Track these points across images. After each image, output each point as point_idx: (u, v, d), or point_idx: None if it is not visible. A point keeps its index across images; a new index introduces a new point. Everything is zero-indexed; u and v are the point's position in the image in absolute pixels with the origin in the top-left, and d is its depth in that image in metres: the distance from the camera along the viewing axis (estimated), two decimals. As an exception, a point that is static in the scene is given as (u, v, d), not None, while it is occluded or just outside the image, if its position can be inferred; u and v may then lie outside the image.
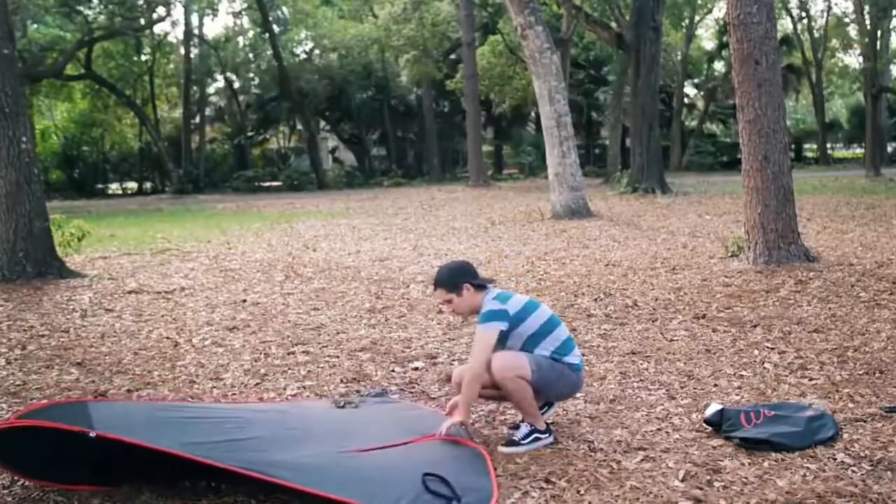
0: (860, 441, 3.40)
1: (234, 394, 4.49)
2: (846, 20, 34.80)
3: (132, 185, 36.87)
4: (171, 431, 3.29)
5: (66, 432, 3.02)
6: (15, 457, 3.16)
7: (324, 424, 3.80)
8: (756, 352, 4.94)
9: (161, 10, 30.19)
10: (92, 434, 2.91)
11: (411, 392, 4.42)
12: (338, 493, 2.82)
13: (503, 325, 3.46)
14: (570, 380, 3.57)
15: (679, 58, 36.63)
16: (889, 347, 4.89)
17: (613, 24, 23.53)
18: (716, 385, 4.31)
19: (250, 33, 36.89)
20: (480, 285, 3.62)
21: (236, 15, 36.82)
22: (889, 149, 37.71)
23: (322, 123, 39.29)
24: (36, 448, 3.16)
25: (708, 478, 3.10)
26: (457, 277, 3.62)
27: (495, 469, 3.23)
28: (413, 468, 3.09)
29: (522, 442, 3.45)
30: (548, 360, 3.49)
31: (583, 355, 4.00)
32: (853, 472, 3.11)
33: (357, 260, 9.89)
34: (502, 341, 3.52)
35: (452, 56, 34.23)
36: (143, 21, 30.12)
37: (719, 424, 3.55)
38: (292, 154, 40.52)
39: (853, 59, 38.71)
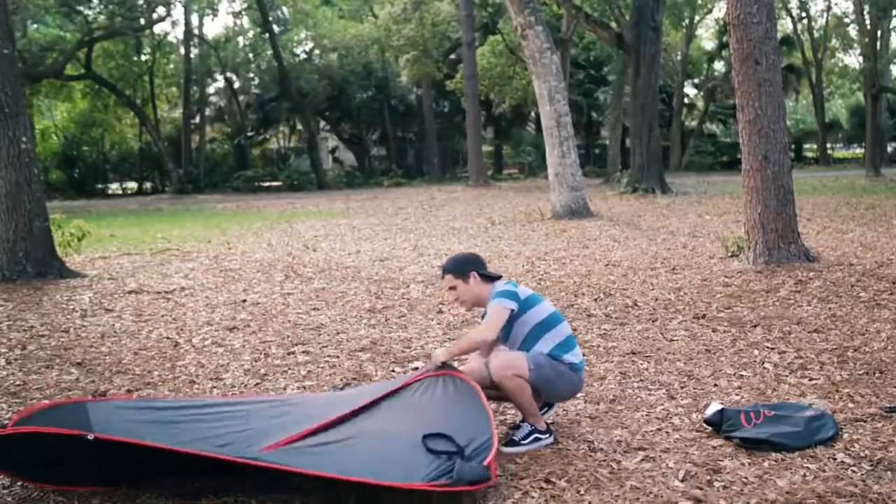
0: (860, 441, 3.40)
1: (234, 394, 4.49)
2: (846, 20, 34.80)
3: (132, 185, 36.86)
4: (170, 431, 3.29)
5: (65, 435, 3.03)
6: (14, 460, 3.15)
7: (320, 400, 3.84)
8: (756, 352, 4.94)
9: (161, 10, 30.20)
10: (90, 436, 2.91)
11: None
12: (350, 473, 2.83)
13: (514, 305, 3.51)
14: (570, 380, 3.58)
15: (679, 58, 36.62)
16: (889, 347, 4.89)
17: (613, 24, 23.50)
18: (716, 385, 4.31)
19: (250, 33, 36.88)
20: (488, 276, 3.67)
21: (236, 15, 36.89)
22: (889, 149, 37.71)
23: (322, 123, 39.28)
24: (35, 451, 3.16)
25: (708, 478, 3.10)
26: (466, 265, 3.69)
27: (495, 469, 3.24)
28: (413, 433, 3.09)
29: (522, 442, 3.45)
30: (547, 360, 3.50)
31: (583, 355, 4.00)
32: (853, 472, 3.11)
33: (357, 260, 9.89)
34: (508, 328, 3.56)
35: (452, 56, 34.22)
36: (143, 21, 30.12)
37: (719, 424, 3.55)
38: (292, 154, 40.52)
39: (853, 59, 38.73)
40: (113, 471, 3.19)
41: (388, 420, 3.34)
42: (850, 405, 3.86)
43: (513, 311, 3.51)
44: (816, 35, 35.78)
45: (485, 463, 2.92)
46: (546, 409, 3.68)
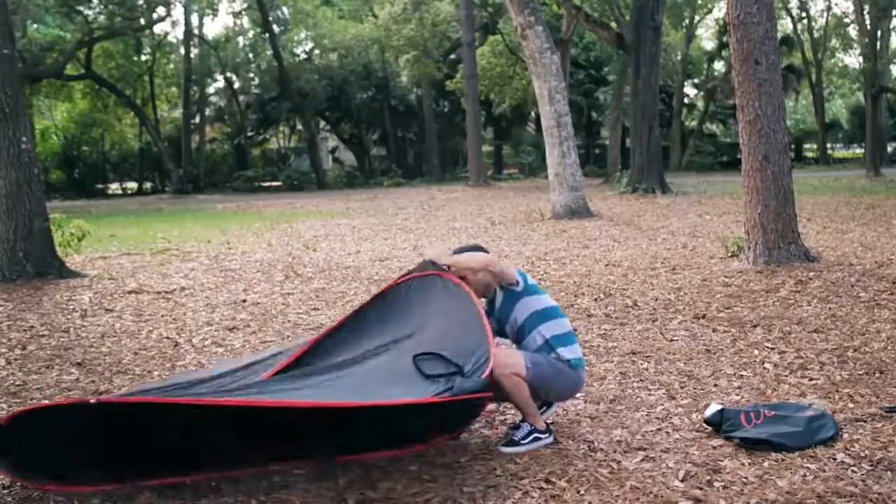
0: (860, 441, 3.40)
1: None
2: (846, 20, 34.78)
3: (132, 185, 36.84)
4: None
5: (68, 414, 2.97)
6: (16, 459, 3.13)
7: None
8: (756, 352, 4.94)
9: (161, 10, 30.18)
10: (92, 400, 2.89)
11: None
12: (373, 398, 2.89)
13: (521, 280, 3.59)
14: (569, 379, 3.57)
15: (679, 58, 36.61)
16: (889, 347, 4.89)
17: (613, 24, 23.52)
18: (716, 385, 4.31)
19: (250, 33, 36.87)
20: None
21: (236, 15, 36.86)
22: (889, 149, 37.69)
23: (322, 123, 39.26)
24: (36, 449, 3.15)
25: (708, 478, 3.10)
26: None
27: (495, 470, 3.24)
28: (412, 354, 3.14)
29: (522, 442, 3.45)
30: (545, 358, 3.50)
31: (583, 355, 4.00)
32: (853, 472, 3.11)
33: (357, 260, 9.89)
34: (509, 309, 3.58)
35: (452, 56, 34.21)
36: (143, 21, 30.09)
37: (719, 424, 3.55)
38: (292, 154, 40.47)
39: (853, 59, 38.72)
40: (115, 467, 3.17)
41: (384, 338, 3.34)
42: (850, 405, 3.86)
43: (518, 283, 3.57)
44: (816, 35, 35.77)
45: (483, 377, 3.00)
46: (545, 408, 3.68)
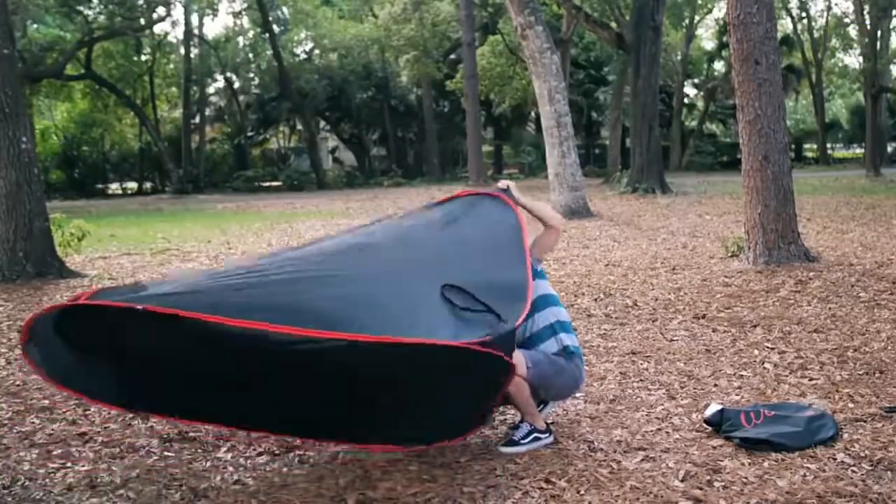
0: (860, 441, 3.40)
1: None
2: (846, 20, 34.77)
3: (132, 185, 36.85)
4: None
5: (113, 313, 2.77)
6: (46, 355, 3.02)
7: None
8: (756, 352, 4.94)
9: (161, 10, 30.18)
10: (139, 307, 2.65)
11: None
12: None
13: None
14: (570, 376, 3.56)
15: (679, 58, 36.60)
16: (889, 347, 4.89)
17: (613, 24, 23.52)
18: (716, 385, 4.31)
19: (250, 33, 36.88)
20: None
21: (236, 15, 36.88)
22: (889, 149, 37.66)
23: (322, 123, 39.26)
24: (64, 352, 3.02)
25: (708, 478, 3.10)
26: None
27: (495, 469, 3.24)
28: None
29: (522, 442, 3.45)
30: (546, 356, 3.50)
31: (583, 355, 4.00)
32: (853, 472, 3.11)
33: (357, 260, 9.87)
34: None
35: (452, 56, 34.21)
36: (143, 21, 30.09)
37: (719, 424, 3.55)
38: (292, 154, 40.47)
39: (853, 59, 38.71)
40: (131, 392, 3.11)
41: (428, 266, 3.24)
42: (850, 405, 3.86)
43: (541, 262, 3.75)
44: (816, 35, 35.75)
45: (516, 324, 3.08)
46: (542, 406, 3.66)
